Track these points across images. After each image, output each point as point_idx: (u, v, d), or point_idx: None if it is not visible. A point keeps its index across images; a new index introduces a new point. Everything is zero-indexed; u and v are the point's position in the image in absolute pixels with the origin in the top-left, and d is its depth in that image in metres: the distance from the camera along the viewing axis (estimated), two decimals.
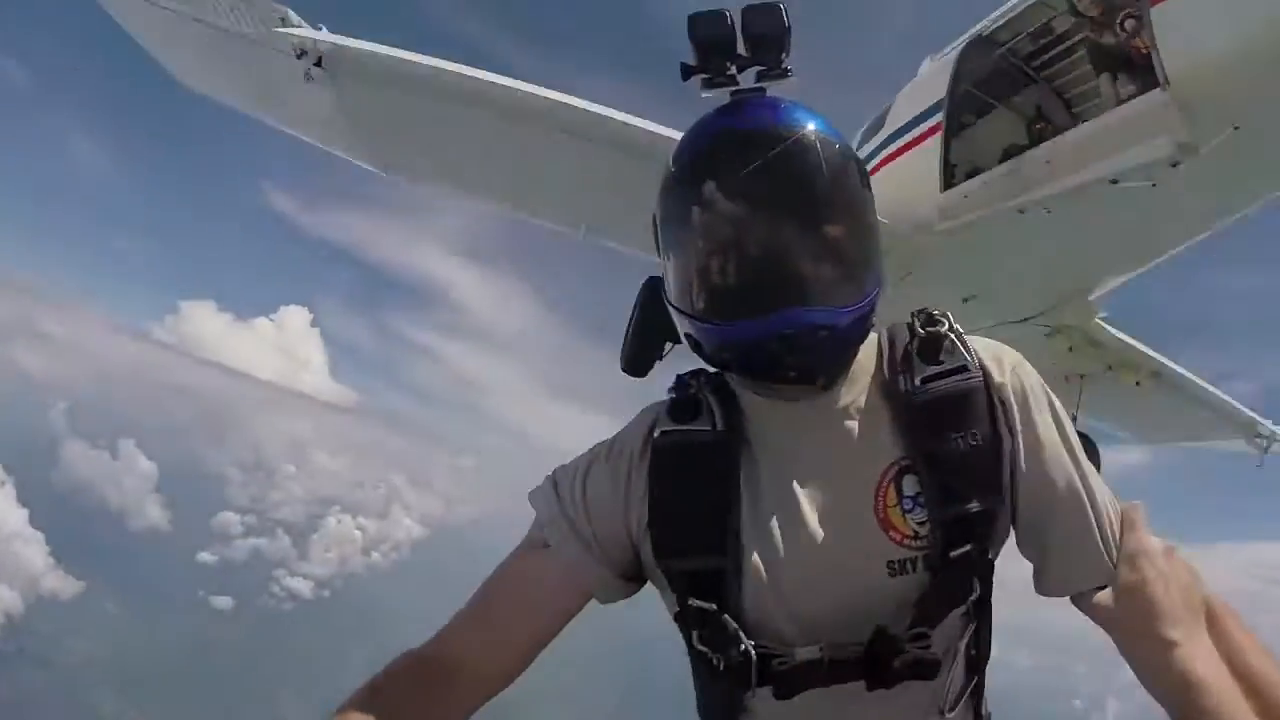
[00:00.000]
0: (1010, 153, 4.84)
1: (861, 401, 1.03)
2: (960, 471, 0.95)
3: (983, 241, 5.05)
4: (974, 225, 4.90)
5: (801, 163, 0.98)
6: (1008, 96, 5.47)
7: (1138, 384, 6.47)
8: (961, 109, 5.26)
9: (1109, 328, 6.16)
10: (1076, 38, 4.95)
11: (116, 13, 5.21)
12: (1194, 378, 7.08)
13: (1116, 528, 0.98)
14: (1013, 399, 1.00)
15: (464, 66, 4.70)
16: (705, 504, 0.98)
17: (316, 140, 5.52)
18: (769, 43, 1.06)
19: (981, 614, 1.01)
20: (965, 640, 1.01)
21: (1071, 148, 4.40)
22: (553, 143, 4.91)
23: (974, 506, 0.94)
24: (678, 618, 1.00)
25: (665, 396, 1.08)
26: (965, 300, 5.56)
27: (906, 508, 0.96)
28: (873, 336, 1.07)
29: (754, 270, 0.97)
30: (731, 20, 1.05)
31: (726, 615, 0.94)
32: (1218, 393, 7.40)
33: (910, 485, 0.97)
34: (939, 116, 5.12)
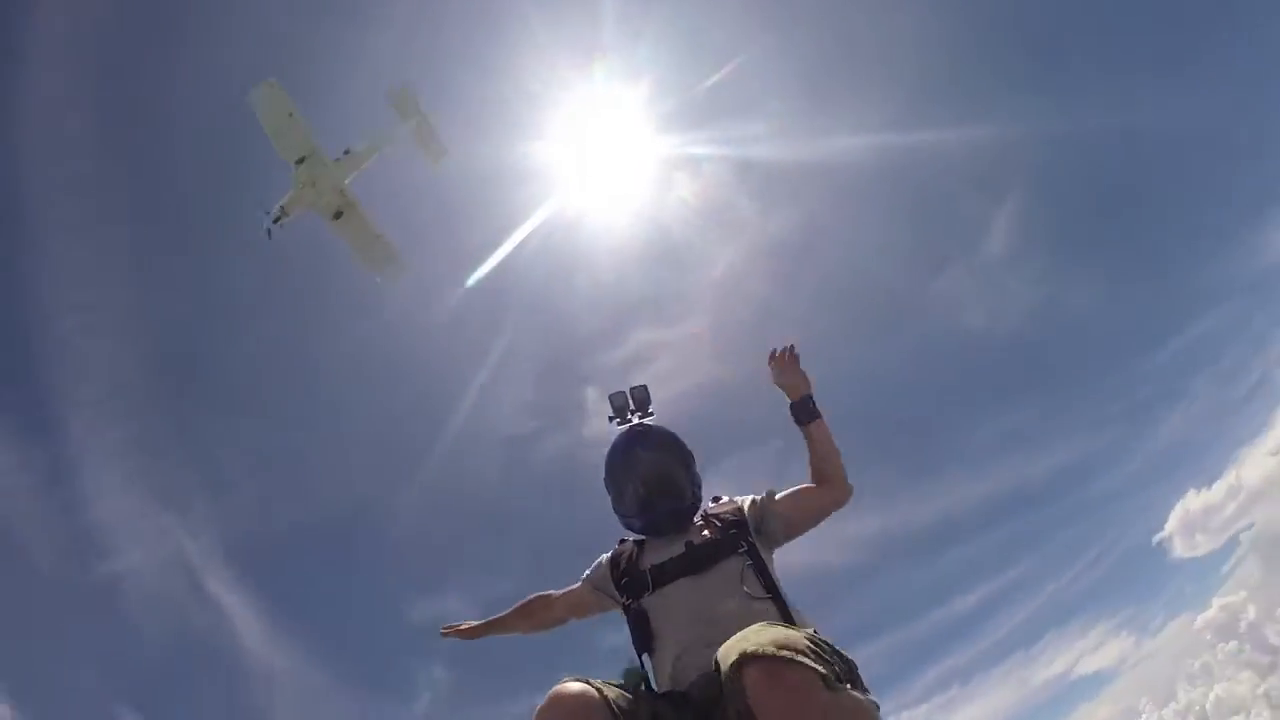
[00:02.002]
0: None
1: (694, 526, 2.59)
2: (727, 523, 2.51)
3: None
4: None
5: (662, 448, 2.69)
6: None
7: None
8: None
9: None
10: None
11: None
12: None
13: (780, 491, 2.69)
14: (749, 506, 2.61)
15: None
16: (632, 559, 2.55)
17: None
18: (644, 403, 2.79)
19: (755, 558, 2.37)
20: (744, 568, 2.34)
21: None
22: None
23: (733, 524, 2.50)
24: (622, 594, 2.48)
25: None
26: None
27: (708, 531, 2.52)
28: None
29: (654, 489, 2.62)
30: (626, 395, 2.78)
31: (642, 573, 2.44)
32: None
33: (712, 529, 2.52)
34: None
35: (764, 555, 2.40)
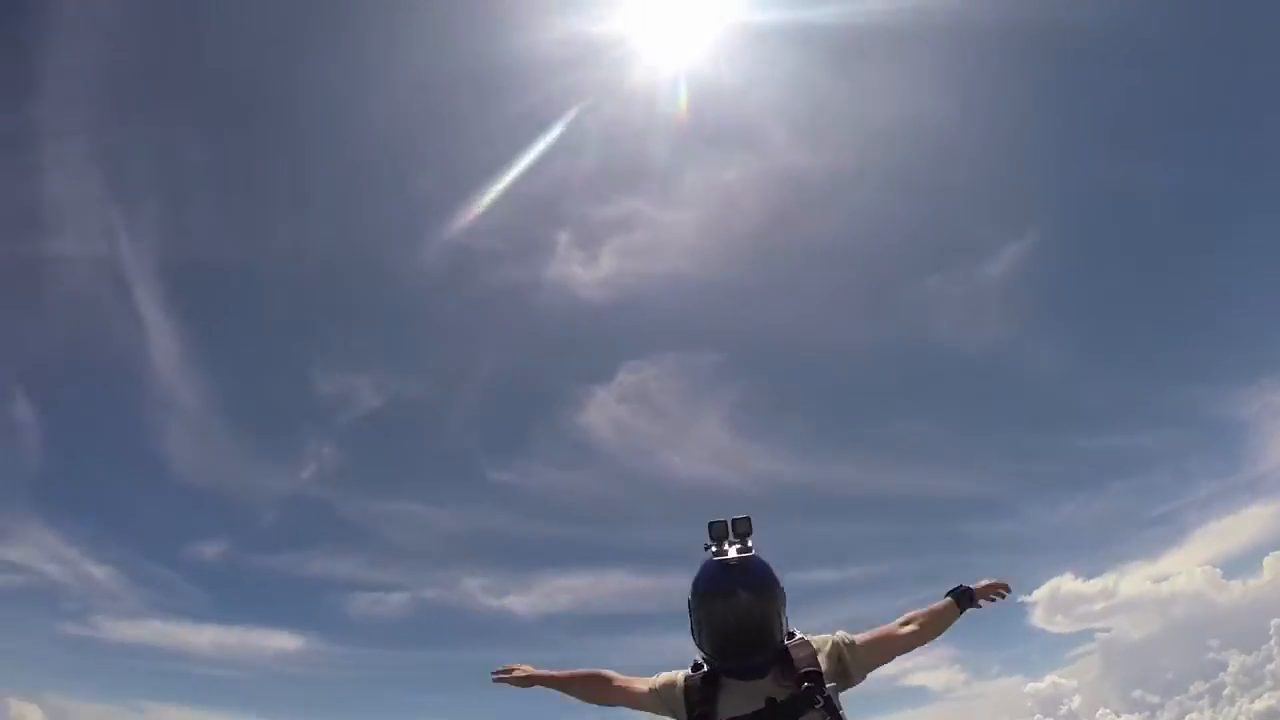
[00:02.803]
0: None
1: (769, 676, 2.65)
2: (802, 675, 2.59)
3: None
4: None
5: (765, 595, 2.69)
6: None
7: None
8: None
9: None
10: None
11: None
12: None
13: (856, 638, 2.86)
14: (827, 652, 2.75)
15: None
16: (708, 697, 2.64)
17: None
18: (743, 534, 2.76)
19: (831, 713, 2.53)
20: None
21: None
22: None
23: (808, 674, 2.59)
24: None
25: (689, 668, 2.81)
26: None
27: (784, 681, 2.61)
28: None
29: (751, 639, 2.64)
30: (727, 525, 2.77)
31: None
32: None
33: (788, 679, 2.61)
34: None
35: (837, 705, 2.59)
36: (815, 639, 2.77)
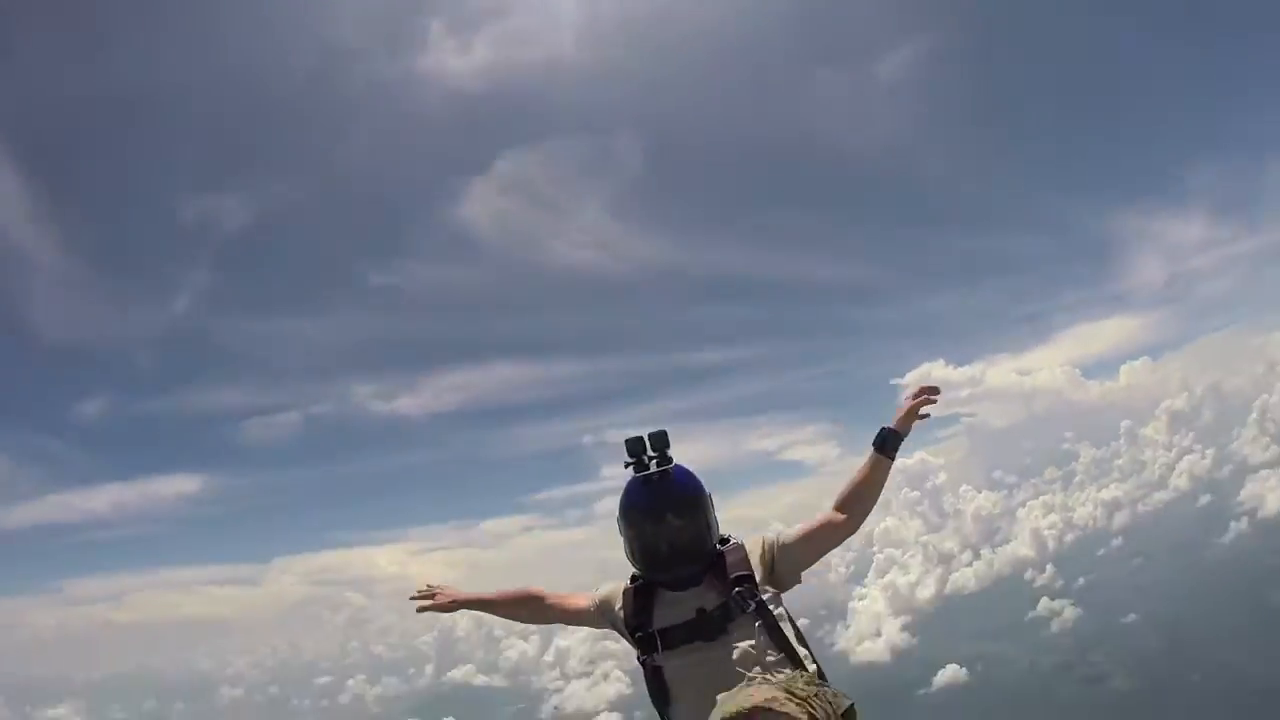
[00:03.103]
0: None
1: (703, 584, 2.67)
2: (733, 580, 2.61)
3: None
4: None
5: (692, 511, 2.71)
6: None
7: None
8: None
9: None
10: None
11: None
12: None
13: (789, 533, 2.82)
14: (759, 552, 2.74)
15: None
16: (644, 608, 2.67)
17: None
18: (661, 447, 2.75)
19: (764, 617, 2.55)
20: (756, 628, 2.52)
21: None
22: None
23: (739, 579, 2.60)
24: (637, 648, 2.65)
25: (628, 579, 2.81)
26: None
27: (717, 587, 2.61)
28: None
29: (681, 557, 2.68)
30: (644, 438, 2.76)
31: (651, 634, 2.61)
32: None
33: (720, 585, 2.63)
34: None
35: (772, 608, 2.59)
36: (749, 541, 2.78)
